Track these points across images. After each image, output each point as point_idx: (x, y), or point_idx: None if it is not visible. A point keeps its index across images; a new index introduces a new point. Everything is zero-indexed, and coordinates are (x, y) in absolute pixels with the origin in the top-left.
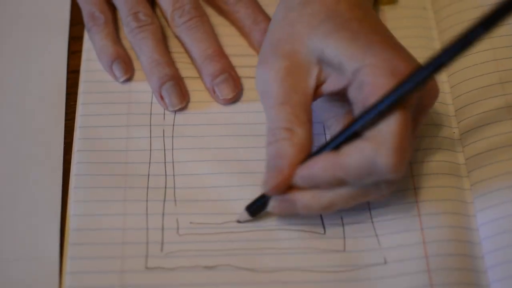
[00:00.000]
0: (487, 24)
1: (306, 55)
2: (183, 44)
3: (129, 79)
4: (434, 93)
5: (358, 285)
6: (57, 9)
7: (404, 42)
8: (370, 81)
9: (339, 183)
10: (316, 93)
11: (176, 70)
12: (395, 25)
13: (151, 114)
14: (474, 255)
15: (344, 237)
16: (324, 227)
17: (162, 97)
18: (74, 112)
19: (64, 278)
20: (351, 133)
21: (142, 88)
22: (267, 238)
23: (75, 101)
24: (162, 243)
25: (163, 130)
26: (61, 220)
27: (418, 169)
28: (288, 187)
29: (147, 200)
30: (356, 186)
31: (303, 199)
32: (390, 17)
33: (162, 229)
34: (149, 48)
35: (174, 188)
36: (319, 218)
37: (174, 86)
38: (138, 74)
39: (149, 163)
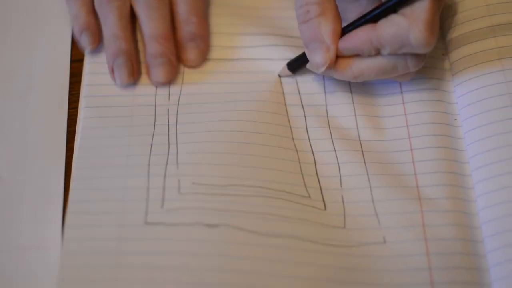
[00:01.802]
0: None
1: None
2: (138, 21)
3: (94, 49)
4: None
5: (357, 261)
6: None
7: None
8: None
9: (375, 53)
10: None
11: (132, 46)
12: None
13: (156, 94)
14: (474, 239)
15: (344, 215)
16: (324, 204)
17: (113, 71)
18: (77, 101)
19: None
20: (388, 9)
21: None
22: (270, 205)
23: (78, 90)
24: (163, 200)
25: (168, 109)
26: (63, 209)
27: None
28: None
29: (149, 165)
30: (387, 58)
31: (338, 66)
32: None
33: (163, 188)
34: (112, 22)
35: (177, 154)
36: (320, 194)
37: (125, 62)
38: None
39: (153, 135)
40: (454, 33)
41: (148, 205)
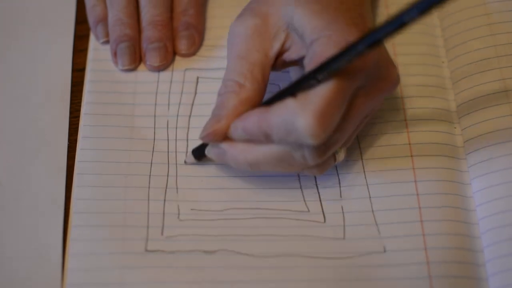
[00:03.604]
0: (421, 8)
1: (277, 19)
2: (139, 8)
3: (107, 42)
4: (391, 79)
5: (357, 272)
6: (62, 7)
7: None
8: (320, 51)
9: (266, 139)
10: (280, 61)
11: (137, 33)
12: None
13: (155, 104)
14: (473, 249)
15: (344, 225)
16: (324, 216)
17: (116, 55)
18: (79, 110)
19: (67, 261)
20: (287, 93)
21: (148, 78)
22: (267, 225)
23: (80, 99)
24: (163, 227)
25: (167, 121)
26: (64, 217)
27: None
28: (223, 137)
29: (149, 187)
30: (281, 147)
31: (232, 150)
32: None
33: (163, 214)
34: (119, 7)
35: (176, 176)
36: (320, 206)
37: (129, 47)
38: (143, 65)
39: (152, 151)
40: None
41: (148, 232)
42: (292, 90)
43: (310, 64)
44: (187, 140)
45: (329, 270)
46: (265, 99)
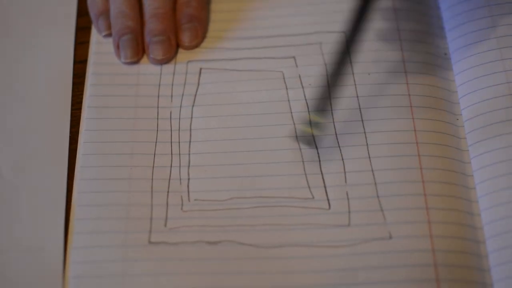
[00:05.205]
0: None
1: None
2: (142, 2)
3: (109, 35)
4: None
5: (362, 259)
6: None
7: None
8: None
9: None
10: None
11: (139, 26)
12: None
13: (158, 96)
14: (476, 239)
15: (349, 211)
16: (329, 203)
17: (118, 47)
18: (80, 102)
19: (69, 254)
20: None
21: (150, 71)
22: (271, 214)
23: (82, 91)
24: (166, 219)
25: (170, 112)
26: (66, 210)
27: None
28: None
29: (152, 179)
30: None
31: None
32: None
33: (167, 205)
34: (120, 0)
35: (180, 166)
36: (324, 193)
37: (131, 40)
38: (146, 57)
39: (155, 142)
40: None
41: (152, 224)
42: None
43: None
44: (190, 130)
45: (334, 259)
46: None
